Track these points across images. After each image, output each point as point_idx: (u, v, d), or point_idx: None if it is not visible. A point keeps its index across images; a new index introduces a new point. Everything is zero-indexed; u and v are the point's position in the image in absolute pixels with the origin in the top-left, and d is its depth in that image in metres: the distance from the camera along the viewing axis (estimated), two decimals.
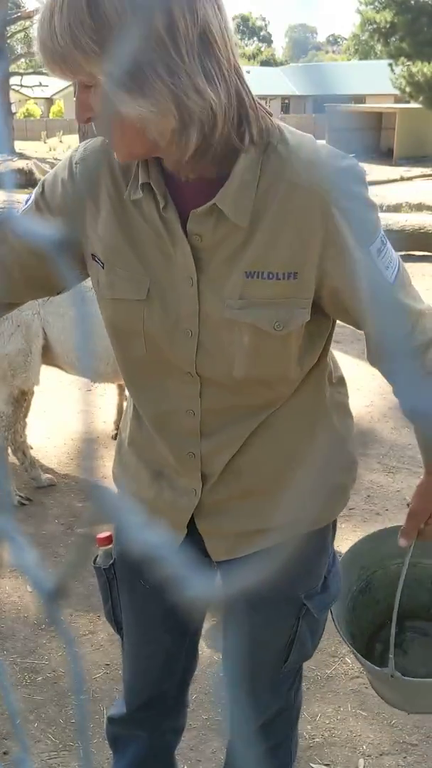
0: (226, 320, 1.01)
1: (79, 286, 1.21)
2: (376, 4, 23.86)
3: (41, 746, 1.89)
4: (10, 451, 3.15)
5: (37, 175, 8.17)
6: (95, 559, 1.30)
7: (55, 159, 18.07)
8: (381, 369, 1.10)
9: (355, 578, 1.46)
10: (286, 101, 38.58)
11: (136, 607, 1.29)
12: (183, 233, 1.00)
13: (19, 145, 24.29)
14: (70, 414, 3.82)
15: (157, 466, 1.18)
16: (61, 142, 27.93)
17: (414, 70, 21.55)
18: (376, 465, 3.38)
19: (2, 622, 2.35)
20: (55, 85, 34.81)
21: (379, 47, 26.04)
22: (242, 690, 1.26)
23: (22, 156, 18.12)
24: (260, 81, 34.93)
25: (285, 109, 37.54)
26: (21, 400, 3.04)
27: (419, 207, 10.24)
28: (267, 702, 1.28)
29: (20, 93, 33.58)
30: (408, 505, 1.29)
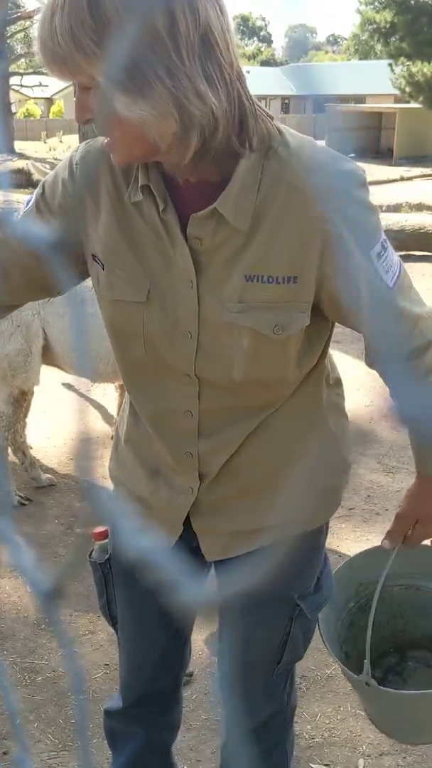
0: (225, 323, 1.01)
1: (78, 287, 1.21)
2: (376, 4, 23.86)
3: (41, 746, 1.89)
4: (10, 451, 3.15)
5: (36, 176, 8.16)
6: (91, 553, 1.31)
7: (55, 159, 18.07)
8: (378, 371, 1.11)
9: (353, 593, 1.42)
10: (286, 101, 38.58)
11: (131, 602, 1.30)
12: (182, 236, 1.00)
13: (19, 145, 24.29)
14: (70, 414, 3.82)
15: (153, 464, 1.18)
16: (61, 142, 27.93)
17: (414, 70, 21.55)
18: (376, 465, 3.38)
19: (2, 622, 2.35)
20: (55, 85, 34.80)
21: (379, 47, 26.05)
22: (236, 691, 1.26)
23: (22, 156, 18.13)
24: (260, 81, 34.92)
25: (285, 109, 37.54)
26: (21, 400, 3.04)
27: (419, 207, 10.24)
28: (260, 704, 1.28)
29: (20, 93, 33.57)
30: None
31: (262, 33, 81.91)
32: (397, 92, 23.43)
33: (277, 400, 1.10)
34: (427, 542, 1.31)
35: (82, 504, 3.02)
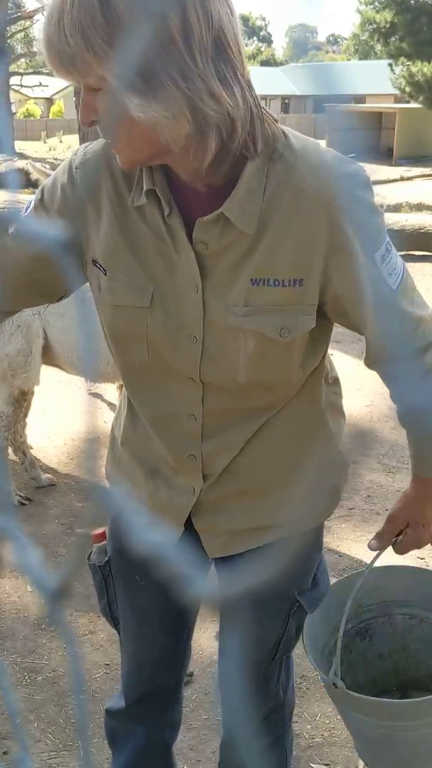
0: (231, 327, 1.01)
1: (80, 288, 1.20)
2: (376, 4, 23.85)
3: (41, 746, 1.89)
4: (10, 450, 3.15)
5: (35, 175, 8.16)
6: (89, 556, 1.31)
7: (55, 159, 18.07)
8: (379, 372, 1.11)
9: (351, 614, 1.34)
10: (286, 101, 38.57)
11: (132, 603, 1.30)
12: (188, 240, 0.99)
13: (19, 145, 24.29)
14: (70, 414, 3.82)
15: (153, 464, 1.18)
16: (61, 142, 27.93)
17: (414, 70, 21.54)
18: (376, 465, 3.38)
19: (2, 622, 2.35)
20: (55, 85, 34.80)
21: (379, 47, 26.04)
22: (236, 688, 1.26)
23: (22, 156, 18.13)
24: (260, 81, 34.91)
25: (285, 109, 37.53)
26: (21, 400, 3.05)
27: (419, 207, 10.24)
28: (260, 700, 1.29)
29: (20, 93, 33.56)
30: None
31: (262, 33, 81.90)
32: (397, 92, 23.43)
33: (280, 401, 1.10)
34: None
35: (82, 504, 3.03)
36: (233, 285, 1.00)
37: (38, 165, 9.47)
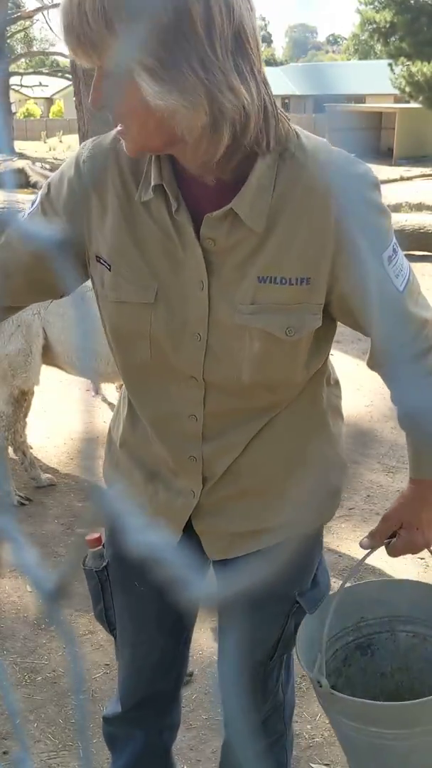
0: (236, 325, 1.00)
1: (80, 287, 1.20)
2: (376, 4, 23.84)
3: (41, 746, 1.89)
4: (10, 450, 3.15)
5: (34, 178, 8.15)
6: (84, 561, 1.29)
7: (55, 159, 18.07)
8: (381, 373, 1.11)
9: (352, 626, 1.31)
10: (286, 101, 38.55)
11: (130, 608, 1.29)
12: (195, 237, 0.99)
13: (19, 145, 24.28)
14: (70, 414, 3.82)
15: (152, 466, 1.17)
16: (61, 142, 27.92)
17: (414, 69, 21.54)
18: (376, 465, 3.38)
19: (2, 622, 2.35)
20: (55, 85, 34.80)
21: (378, 47, 26.04)
22: (236, 690, 1.26)
23: (22, 156, 18.12)
24: None
25: (285, 108, 37.21)
26: (21, 400, 3.05)
27: (419, 207, 10.24)
28: (260, 700, 1.28)
29: (20, 93, 33.56)
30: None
31: (262, 33, 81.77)
32: (396, 92, 23.43)
33: (282, 402, 1.10)
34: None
35: (82, 504, 3.03)
36: (240, 283, 0.99)
37: (37, 167, 9.47)
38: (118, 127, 0.95)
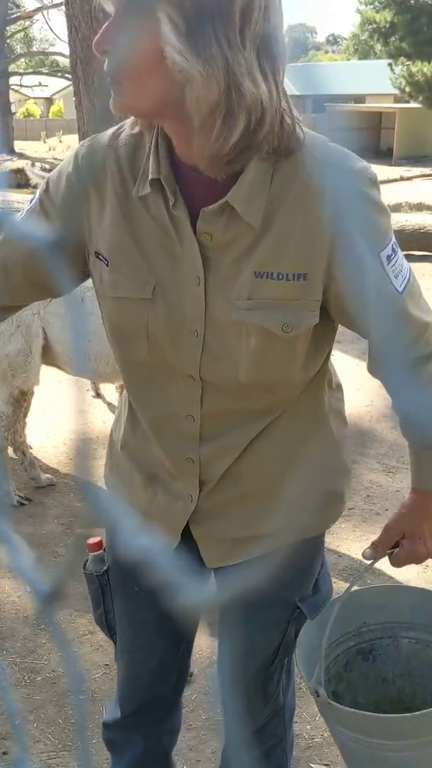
0: (233, 321, 0.99)
1: (78, 287, 1.19)
2: (376, 3, 23.84)
3: (41, 746, 1.89)
4: (10, 450, 3.15)
5: (34, 180, 8.15)
6: (85, 564, 1.28)
7: (55, 159, 18.06)
8: (381, 378, 1.07)
9: (353, 630, 1.31)
10: None
11: (130, 612, 1.28)
12: (192, 231, 0.98)
13: (19, 145, 24.28)
14: (70, 414, 3.82)
15: (151, 469, 1.16)
16: (60, 141, 27.91)
17: (414, 69, 21.53)
18: (376, 465, 3.38)
19: (2, 622, 2.35)
20: (54, 85, 34.80)
21: (378, 47, 26.03)
22: (236, 695, 1.25)
23: (21, 156, 18.12)
24: None
25: None
26: (21, 400, 3.04)
27: (419, 207, 10.23)
28: (260, 706, 1.27)
29: (20, 93, 33.56)
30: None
31: None
32: (396, 92, 23.42)
33: (280, 404, 1.08)
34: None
35: (82, 504, 3.02)
36: (236, 278, 0.98)
37: (37, 169, 9.47)
38: (115, 82, 0.92)
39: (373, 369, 1.07)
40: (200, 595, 0.24)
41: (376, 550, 1.22)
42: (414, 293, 1.03)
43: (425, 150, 23.42)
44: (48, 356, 2.99)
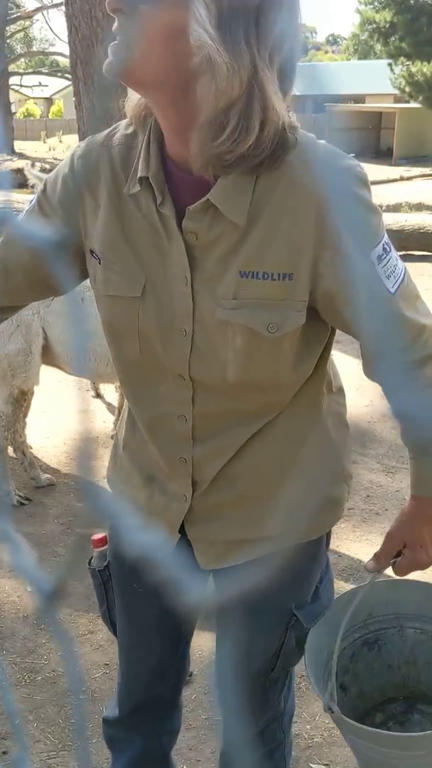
0: (219, 321, 0.98)
1: (78, 287, 1.20)
2: (376, 3, 23.84)
3: (40, 746, 1.89)
4: (10, 450, 3.15)
5: (32, 181, 8.15)
6: (90, 561, 1.29)
7: (55, 159, 18.06)
8: (378, 381, 1.04)
9: (360, 623, 1.31)
10: None
11: (129, 610, 1.28)
12: (178, 230, 0.98)
13: (19, 145, 24.28)
14: (70, 414, 3.82)
15: (149, 470, 1.16)
16: (60, 142, 27.92)
17: (414, 69, 21.53)
18: (376, 465, 3.38)
19: (2, 621, 2.35)
20: (54, 85, 34.82)
21: (378, 47, 26.04)
22: (234, 700, 1.24)
23: (21, 156, 18.12)
24: None
25: None
26: (21, 400, 3.05)
27: (419, 207, 10.24)
28: (258, 711, 1.26)
29: (20, 93, 33.57)
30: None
31: None
32: (396, 92, 23.42)
33: (273, 406, 1.07)
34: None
35: (82, 504, 3.02)
36: (222, 277, 0.98)
37: (35, 170, 9.47)
38: (116, 40, 0.90)
39: (368, 371, 1.05)
40: (199, 593, 0.24)
41: (379, 561, 1.21)
42: (409, 294, 1.00)
43: (425, 150, 23.42)
44: (48, 356, 3.00)
